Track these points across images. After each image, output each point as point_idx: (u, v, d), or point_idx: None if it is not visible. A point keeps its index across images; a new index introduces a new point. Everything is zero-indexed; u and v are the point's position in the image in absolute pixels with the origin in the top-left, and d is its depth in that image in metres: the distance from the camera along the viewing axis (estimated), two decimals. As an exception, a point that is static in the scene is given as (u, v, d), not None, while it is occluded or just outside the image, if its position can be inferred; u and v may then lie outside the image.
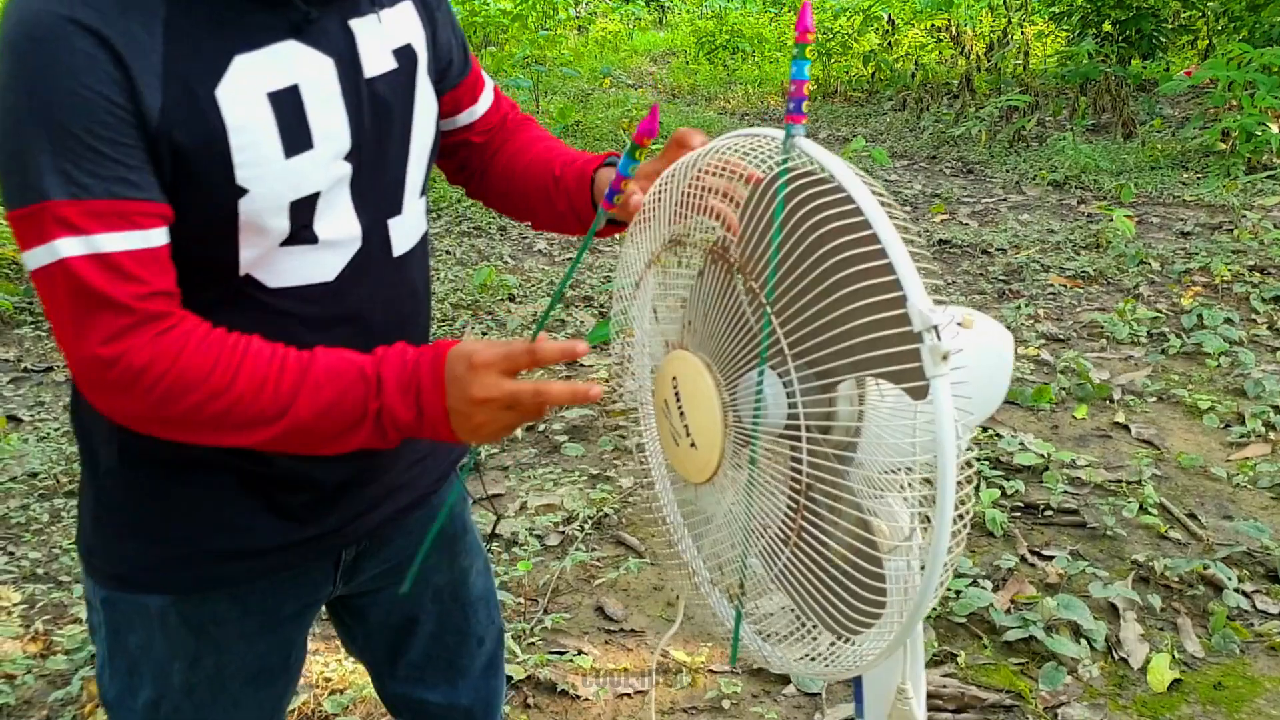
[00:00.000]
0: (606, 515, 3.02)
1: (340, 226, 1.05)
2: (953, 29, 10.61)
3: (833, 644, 1.07)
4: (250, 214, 0.97)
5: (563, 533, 2.94)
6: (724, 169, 1.02)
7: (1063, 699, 2.26)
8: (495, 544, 2.88)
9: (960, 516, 0.91)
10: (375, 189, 1.09)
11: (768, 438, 1.02)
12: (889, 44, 10.29)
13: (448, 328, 4.47)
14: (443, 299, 4.72)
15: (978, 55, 9.74)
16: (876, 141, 7.88)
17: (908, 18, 10.63)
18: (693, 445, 1.10)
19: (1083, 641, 2.42)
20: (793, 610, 1.07)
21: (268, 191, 0.97)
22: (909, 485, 1.05)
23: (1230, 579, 2.58)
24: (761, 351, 1.00)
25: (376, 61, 1.06)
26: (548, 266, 5.33)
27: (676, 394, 1.11)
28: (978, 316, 1.12)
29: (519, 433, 3.54)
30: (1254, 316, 4.27)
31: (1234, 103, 6.50)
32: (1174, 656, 2.37)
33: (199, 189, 0.95)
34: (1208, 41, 9.74)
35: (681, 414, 1.11)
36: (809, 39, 0.93)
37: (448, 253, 5.52)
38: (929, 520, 1.03)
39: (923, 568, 0.97)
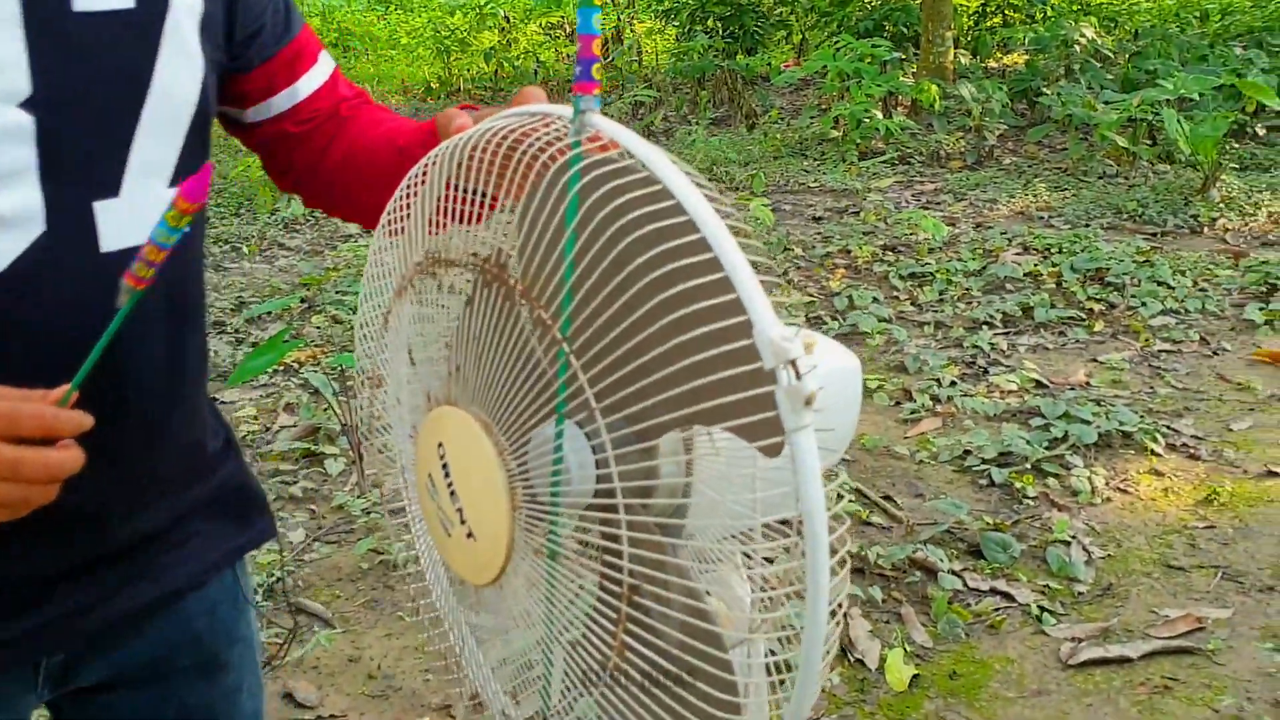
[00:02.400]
0: (280, 580, 2.60)
1: (13, 197, 0.80)
2: (567, 26, 10.67)
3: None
4: None
5: (229, 608, 2.49)
6: (498, 156, 0.75)
7: (809, 715, 2.14)
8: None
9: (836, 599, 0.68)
10: (76, 156, 0.83)
11: (573, 519, 0.76)
12: (508, 41, 10.18)
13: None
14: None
15: (594, 52, 9.84)
16: (508, 140, 7.72)
17: (521, 16, 10.58)
18: (470, 536, 0.81)
19: (817, 648, 2.32)
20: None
21: None
22: (748, 555, 0.82)
23: (942, 561, 2.59)
24: (558, 404, 0.73)
25: None
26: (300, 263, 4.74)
27: (445, 466, 0.82)
28: (817, 336, 0.90)
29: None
30: (896, 294, 4.47)
31: (843, 91, 6.88)
32: (906, 650, 2.32)
33: None
34: (801, 36, 10.40)
35: (452, 493, 0.81)
36: (600, -22, 0.67)
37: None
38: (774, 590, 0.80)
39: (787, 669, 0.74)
